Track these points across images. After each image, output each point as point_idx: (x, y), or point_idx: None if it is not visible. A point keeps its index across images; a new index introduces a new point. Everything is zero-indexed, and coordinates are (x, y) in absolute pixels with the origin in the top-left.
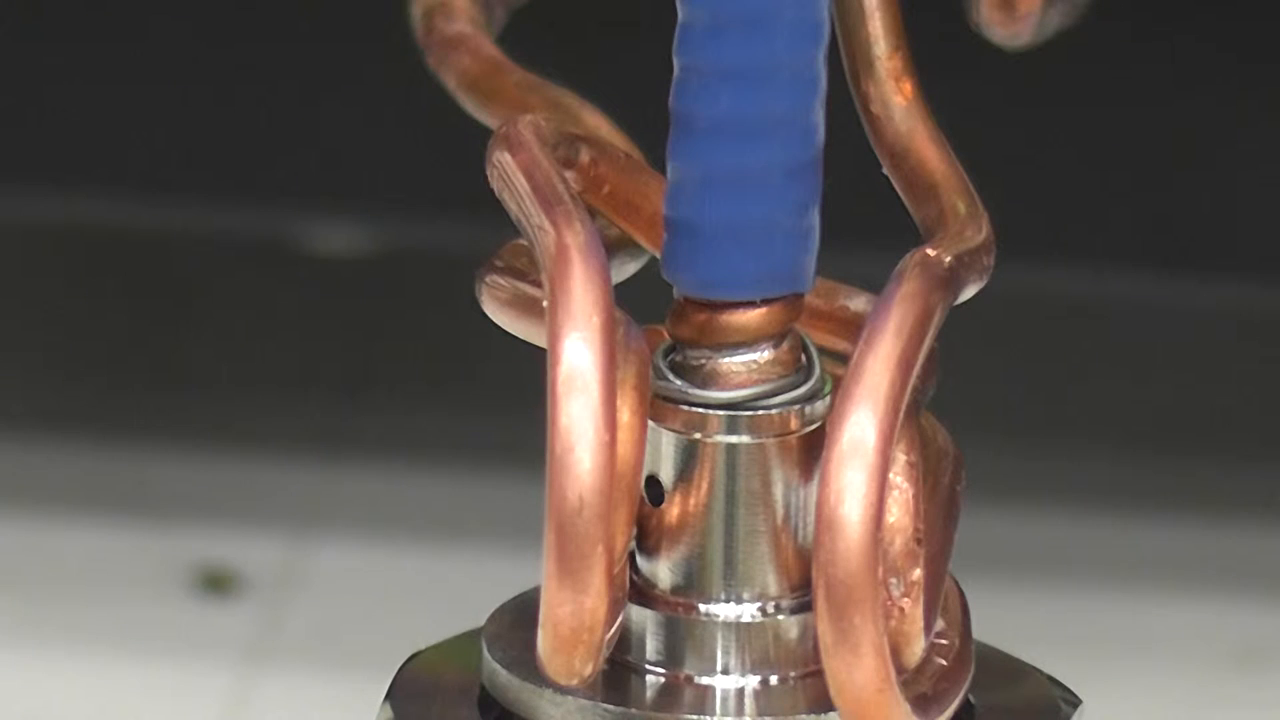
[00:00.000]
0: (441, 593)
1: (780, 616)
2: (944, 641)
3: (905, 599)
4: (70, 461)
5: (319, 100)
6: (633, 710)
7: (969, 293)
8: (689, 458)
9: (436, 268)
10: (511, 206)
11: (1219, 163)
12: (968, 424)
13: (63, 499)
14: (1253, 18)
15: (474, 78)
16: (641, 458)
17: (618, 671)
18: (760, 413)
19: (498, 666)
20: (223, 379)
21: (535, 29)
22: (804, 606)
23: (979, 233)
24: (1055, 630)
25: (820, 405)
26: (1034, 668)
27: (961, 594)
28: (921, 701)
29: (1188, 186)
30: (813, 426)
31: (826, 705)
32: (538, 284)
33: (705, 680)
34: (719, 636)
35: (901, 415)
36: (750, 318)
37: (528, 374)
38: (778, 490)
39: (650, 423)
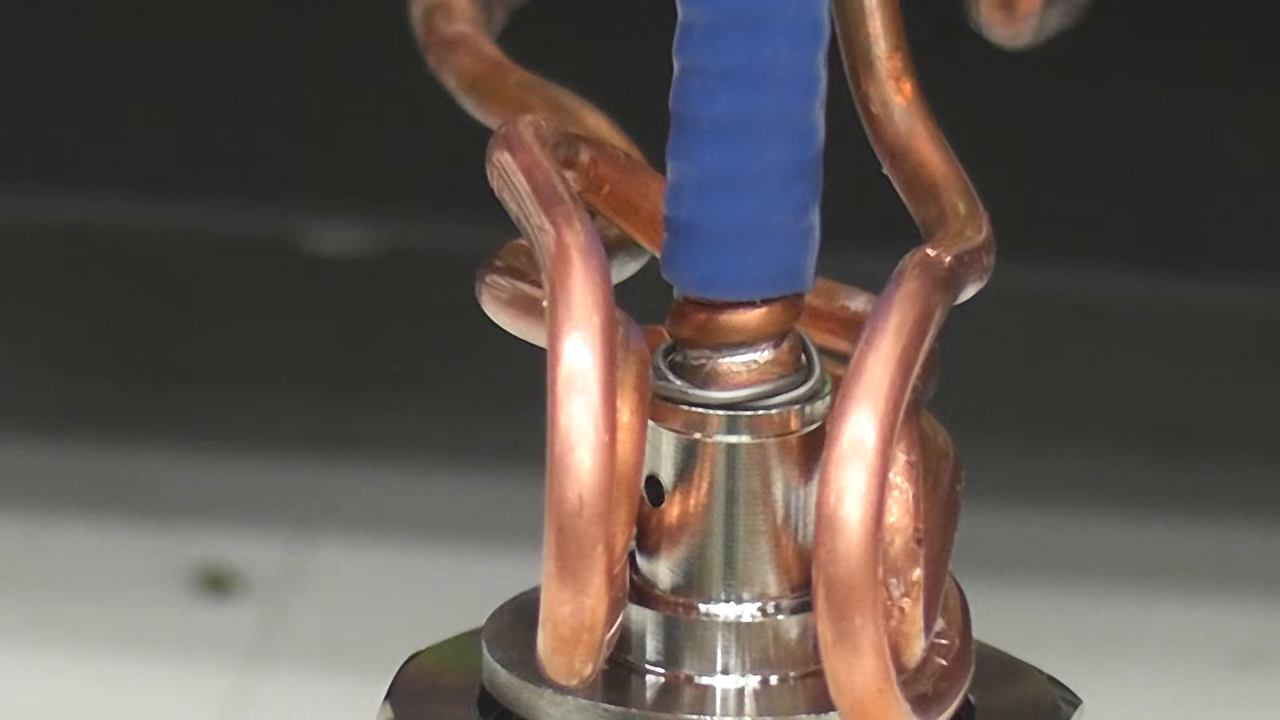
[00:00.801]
0: (441, 593)
1: (780, 616)
2: (944, 641)
3: (905, 599)
4: (70, 461)
5: (319, 100)
6: (633, 710)
7: (969, 293)
8: (689, 458)
9: (436, 268)
10: (511, 206)
11: (1219, 163)
12: (968, 424)
13: (63, 499)
14: (1253, 17)
15: (474, 78)
16: (641, 458)
17: (618, 671)
18: (760, 413)
19: (498, 666)
20: (223, 379)
21: (535, 29)
22: (804, 606)
23: (979, 233)
24: (1055, 630)
25: (820, 405)
26: (1034, 668)
27: (961, 594)
28: (921, 701)
29: (1188, 186)
30: (813, 426)
31: (826, 705)
32: (538, 284)
33: (705, 680)
34: (719, 636)
35: (901, 415)
36: (750, 318)
37: (528, 374)
38: (778, 490)
39: (650, 423)
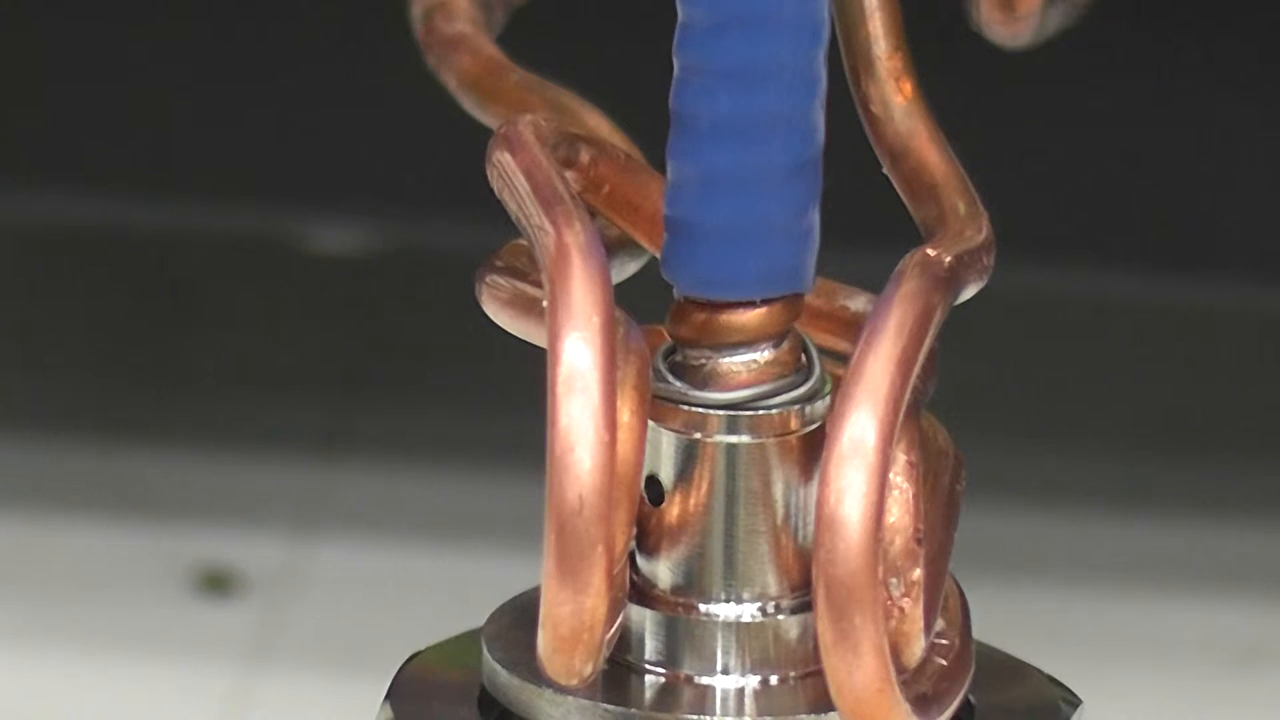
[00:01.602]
0: (441, 593)
1: (780, 616)
2: (944, 641)
3: (905, 599)
4: (70, 461)
5: (318, 100)
6: (633, 710)
7: (969, 293)
8: (689, 458)
9: (436, 268)
10: (511, 206)
11: (1219, 163)
12: (968, 424)
13: (63, 499)
14: (1253, 17)
15: (474, 78)
16: (641, 458)
17: (618, 671)
18: (760, 413)
19: (498, 666)
20: (223, 379)
21: (535, 29)
22: (804, 606)
23: (979, 233)
24: (1055, 630)
25: (820, 405)
26: (1034, 668)
27: (961, 594)
28: (921, 701)
29: (1188, 186)
30: (813, 426)
31: (826, 705)
32: (538, 284)
33: (705, 680)
34: (719, 636)
35: (901, 415)
36: (750, 318)
37: (528, 374)
38: (778, 490)
39: (650, 423)
